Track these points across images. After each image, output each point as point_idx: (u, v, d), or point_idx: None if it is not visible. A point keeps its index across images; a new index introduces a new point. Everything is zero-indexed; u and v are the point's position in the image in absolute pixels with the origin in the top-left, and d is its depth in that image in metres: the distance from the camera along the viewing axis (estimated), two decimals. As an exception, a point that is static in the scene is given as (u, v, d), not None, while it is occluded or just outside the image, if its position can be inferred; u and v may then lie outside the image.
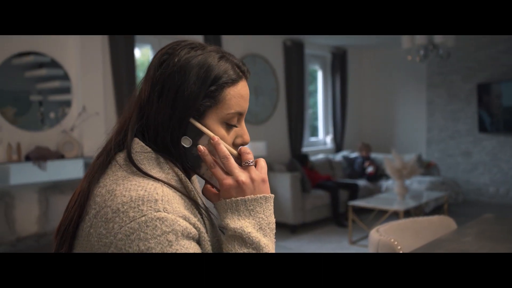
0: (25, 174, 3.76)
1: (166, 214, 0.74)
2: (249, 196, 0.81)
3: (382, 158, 6.53)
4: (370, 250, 1.68)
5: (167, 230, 0.73)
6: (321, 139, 7.27)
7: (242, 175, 0.82)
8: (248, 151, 0.85)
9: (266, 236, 0.82)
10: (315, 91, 7.30)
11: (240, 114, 0.86)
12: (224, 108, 0.84)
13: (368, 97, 7.92)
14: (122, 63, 4.46)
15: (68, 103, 4.21)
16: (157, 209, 0.73)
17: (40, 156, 3.77)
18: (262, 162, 0.86)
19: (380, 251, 1.61)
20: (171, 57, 0.84)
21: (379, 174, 6.52)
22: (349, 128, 7.46)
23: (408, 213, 5.37)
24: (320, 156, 6.57)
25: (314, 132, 7.29)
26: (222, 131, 0.85)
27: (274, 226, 0.84)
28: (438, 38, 4.78)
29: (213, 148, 0.83)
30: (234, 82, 0.84)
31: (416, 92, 7.34)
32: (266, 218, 0.82)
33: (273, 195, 0.85)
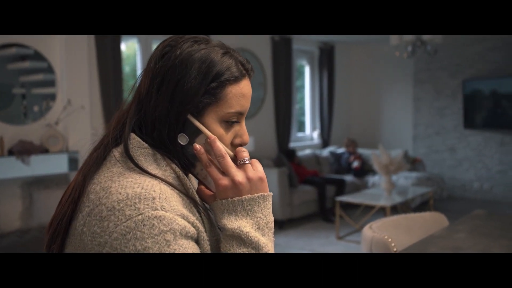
0: (8, 169, 3.67)
1: (164, 212, 0.71)
2: (246, 196, 0.79)
3: (369, 154, 6.56)
4: (363, 246, 1.67)
5: (165, 229, 0.70)
6: (308, 134, 7.27)
7: (239, 175, 0.79)
8: (243, 149, 0.83)
9: (265, 235, 0.79)
10: (302, 87, 7.29)
11: (240, 114, 0.83)
12: (224, 106, 0.80)
13: (355, 92, 7.94)
14: (108, 56, 4.39)
15: (52, 96, 4.12)
16: (154, 207, 0.71)
17: (23, 150, 3.69)
18: (257, 163, 0.83)
19: (373, 248, 1.60)
20: (173, 50, 0.80)
21: (365, 170, 6.55)
22: (336, 124, 7.48)
23: (394, 209, 5.41)
24: (307, 151, 6.58)
25: (301, 128, 7.28)
26: (220, 130, 0.82)
27: (272, 225, 0.82)
28: (426, 35, 4.81)
29: (209, 147, 0.81)
30: (236, 80, 0.81)
31: (403, 88, 7.39)
32: (264, 218, 0.80)
33: (271, 193, 0.83)
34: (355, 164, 6.44)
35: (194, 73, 0.78)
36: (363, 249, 1.68)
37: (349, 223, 5.05)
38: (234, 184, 0.78)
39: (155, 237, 0.69)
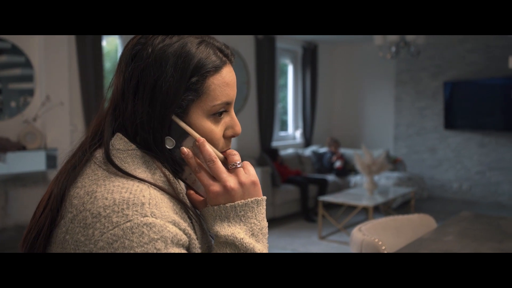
0: (-17, 166, 3.55)
1: (154, 219, 0.66)
2: (239, 202, 0.74)
3: (351, 154, 6.58)
4: (353, 249, 1.65)
5: (155, 237, 0.65)
6: (290, 133, 7.25)
7: (230, 180, 0.74)
8: (234, 152, 0.77)
9: (259, 241, 0.75)
10: (285, 86, 7.26)
11: (227, 104, 0.77)
12: (208, 100, 0.74)
13: (338, 92, 7.95)
14: (88, 51, 4.29)
15: (30, 92, 4.00)
16: (144, 214, 0.65)
17: (-1, 147, 3.57)
18: (249, 166, 0.78)
19: (363, 251, 1.57)
20: (144, 48, 0.73)
21: (347, 169, 6.56)
22: (318, 123, 7.47)
23: (376, 209, 5.43)
24: (290, 150, 6.55)
25: (284, 127, 7.26)
26: (209, 125, 0.76)
27: (266, 230, 0.78)
28: (410, 36, 4.83)
29: (198, 150, 0.75)
30: (217, 69, 0.75)
31: (385, 89, 7.42)
32: (258, 223, 0.76)
33: (265, 197, 0.78)
34: (338, 163, 6.44)
35: (170, 71, 0.72)
36: (352, 251, 1.65)
37: (331, 222, 5.04)
38: (226, 190, 0.73)
39: (145, 245, 0.64)
